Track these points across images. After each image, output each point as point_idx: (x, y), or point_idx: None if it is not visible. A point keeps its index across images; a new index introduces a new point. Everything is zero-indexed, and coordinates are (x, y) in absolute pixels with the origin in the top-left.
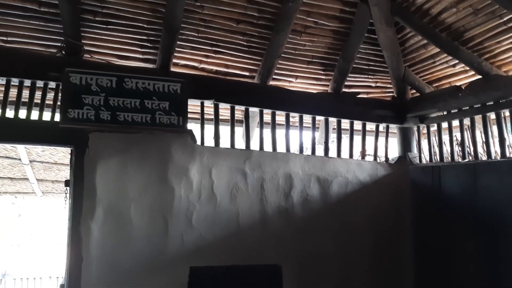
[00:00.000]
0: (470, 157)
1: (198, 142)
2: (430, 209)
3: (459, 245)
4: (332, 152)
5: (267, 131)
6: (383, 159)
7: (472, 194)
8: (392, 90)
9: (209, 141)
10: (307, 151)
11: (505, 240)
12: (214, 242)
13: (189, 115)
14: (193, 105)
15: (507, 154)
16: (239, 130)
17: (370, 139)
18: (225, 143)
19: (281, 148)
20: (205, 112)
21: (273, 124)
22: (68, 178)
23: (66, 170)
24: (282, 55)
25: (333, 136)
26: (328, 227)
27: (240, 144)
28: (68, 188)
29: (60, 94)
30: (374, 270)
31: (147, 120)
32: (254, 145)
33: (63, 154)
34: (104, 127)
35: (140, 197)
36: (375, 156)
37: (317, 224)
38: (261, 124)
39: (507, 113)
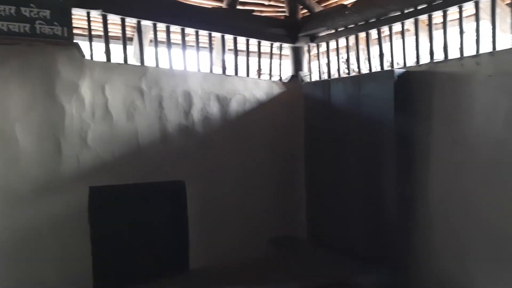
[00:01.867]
0: (355, 73)
1: (88, 57)
2: (321, 120)
3: (346, 148)
4: (230, 71)
5: (162, 50)
6: (277, 78)
7: (357, 102)
8: (284, 9)
9: (100, 57)
10: (205, 69)
11: (381, 142)
12: (113, 162)
13: (75, 31)
14: (78, 18)
15: (385, 67)
16: (132, 49)
17: (265, 60)
18: (117, 59)
19: (178, 66)
20: (92, 27)
21: (168, 39)
22: None
23: None
24: None
25: (229, 56)
26: (228, 143)
27: (133, 61)
28: None
29: None
30: (272, 181)
31: (26, 30)
32: (150, 63)
33: None
34: None
35: (25, 115)
36: (270, 75)
37: (218, 140)
38: (155, 38)
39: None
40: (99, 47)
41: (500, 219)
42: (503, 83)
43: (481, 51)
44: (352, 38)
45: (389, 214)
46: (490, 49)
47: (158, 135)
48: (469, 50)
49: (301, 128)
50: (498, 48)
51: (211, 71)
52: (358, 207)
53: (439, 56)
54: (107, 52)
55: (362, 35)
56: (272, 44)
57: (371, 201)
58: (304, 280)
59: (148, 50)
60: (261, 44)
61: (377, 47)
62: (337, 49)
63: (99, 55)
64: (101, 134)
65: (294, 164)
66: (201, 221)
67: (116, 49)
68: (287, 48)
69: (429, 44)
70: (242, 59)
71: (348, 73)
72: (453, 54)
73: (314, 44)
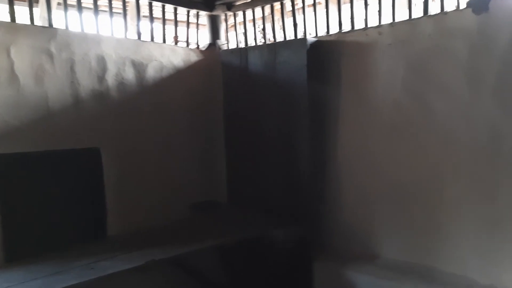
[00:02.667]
0: (271, 42)
1: None
2: (239, 87)
3: (263, 113)
4: (145, 36)
5: (72, 13)
6: (195, 46)
7: (273, 69)
8: None
9: (3, 18)
10: (119, 34)
11: (295, 107)
12: (21, 128)
13: None
14: None
15: (298, 36)
16: (38, 11)
17: (182, 29)
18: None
19: (90, 30)
20: None
21: (79, 2)
22: None
23: None
24: None
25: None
26: (146, 109)
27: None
28: None
29: None
30: (192, 148)
31: None
32: (59, 25)
33: None
34: None
35: None
36: (188, 42)
37: (135, 106)
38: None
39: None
40: (2, 8)
41: (399, 172)
42: (401, 51)
43: (382, 22)
44: (267, 8)
45: (302, 173)
46: (390, 20)
47: (70, 101)
48: (373, 21)
49: (219, 95)
50: (397, 19)
51: (125, 36)
52: (274, 168)
53: (346, 26)
54: (12, 12)
55: (277, 6)
56: (188, 12)
57: (287, 163)
58: (223, 238)
59: (57, 13)
60: (177, 12)
61: (291, 19)
62: (254, 19)
63: (3, 16)
64: (7, 98)
65: (213, 130)
66: (120, 187)
67: (21, 11)
68: (204, 17)
69: (338, 16)
70: (158, 26)
71: (264, 42)
72: (359, 24)
73: (231, 13)
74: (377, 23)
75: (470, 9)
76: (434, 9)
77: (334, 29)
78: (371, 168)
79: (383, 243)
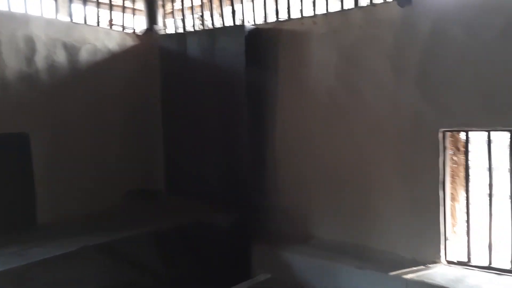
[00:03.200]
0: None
1: None
2: (177, 73)
3: (202, 100)
4: (78, 18)
5: None
6: (131, 30)
7: (211, 55)
8: None
9: None
10: (49, 14)
11: (234, 93)
12: None
13: None
14: None
15: (237, 22)
16: None
17: (117, 14)
18: None
19: (18, 8)
20: None
21: None
22: None
23: None
24: None
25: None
26: (79, 94)
27: None
28: None
29: None
30: (128, 134)
31: None
32: None
33: None
34: None
35: None
36: (123, 26)
37: (67, 91)
38: None
39: None
40: None
41: (332, 157)
42: (334, 40)
43: (317, 12)
44: None
45: (241, 161)
46: (324, 11)
47: None
48: (308, 11)
49: (157, 80)
50: (330, 10)
51: (56, 17)
52: (213, 155)
53: (283, 15)
54: None
55: None
56: None
57: (225, 149)
58: (160, 223)
59: None
60: None
61: (229, 6)
62: (192, 6)
63: None
64: None
65: (151, 116)
66: (50, 174)
67: None
68: (140, 2)
69: (275, 4)
70: (92, 8)
71: (203, 29)
72: (295, 14)
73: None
74: (312, 13)
75: (395, 2)
76: (364, 1)
77: (271, 18)
78: (307, 153)
79: (318, 225)
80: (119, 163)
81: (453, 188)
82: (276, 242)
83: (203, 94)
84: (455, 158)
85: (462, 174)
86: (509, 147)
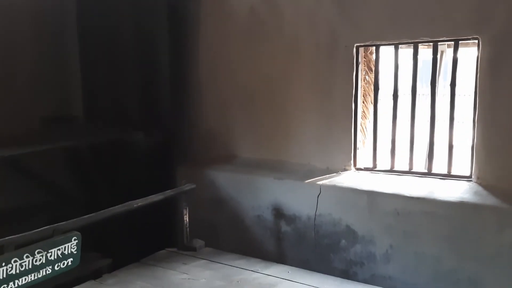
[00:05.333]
0: None
1: None
2: None
3: (120, 21)
4: None
5: None
6: None
7: None
8: None
9: None
10: None
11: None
12: None
13: None
14: None
15: None
16: None
17: None
18: None
19: None
20: None
21: None
22: None
23: None
24: None
25: None
26: None
27: None
28: None
29: None
30: (38, 59)
31: None
32: None
33: None
34: None
35: None
36: None
37: None
38: None
39: None
40: None
41: (253, 78)
42: None
43: None
44: None
45: (161, 83)
46: None
47: None
48: None
49: None
50: None
51: None
52: (132, 80)
53: None
54: None
55: None
56: None
57: (145, 73)
58: (77, 141)
59: None
60: None
61: None
62: None
63: None
64: None
65: (65, 40)
66: None
67: None
68: None
69: None
70: None
71: None
72: None
73: None
74: None
75: None
76: None
77: None
78: (229, 76)
79: (240, 145)
80: (31, 89)
81: (364, 106)
82: (200, 162)
83: (122, 17)
84: (367, 77)
85: (372, 93)
86: (412, 59)
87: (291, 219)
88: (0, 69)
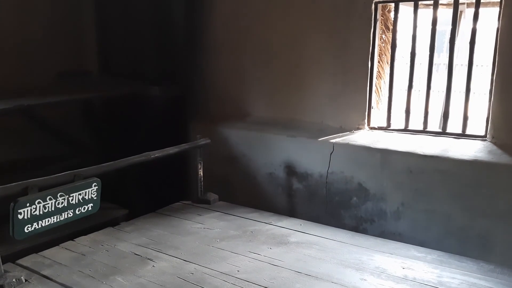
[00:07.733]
0: None
1: None
2: None
3: None
4: None
5: None
6: None
7: None
8: None
9: None
10: None
11: None
12: None
13: None
14: None
15: None
16: None
17: None
18: None
19: None
20: None
21: None
22: None
23: None
24: None
25: None
26: None
27: None
28: None
29: None
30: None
31: None
32: None
33: None
34: None
35: None
36: None
37: None
38: None
39: None
40: None
41: (268, 35)
42: None
43: None
44: None
45: (176, 39)
46: None
47: None
48: None
49: None
50: None
51: None
52: (147, 36)
53: None
54: None
55: None
56: None
57: (160, 31)
58: (94, 93)
59: None
60: None
61: None
62: None
63: None
64: None
65: None
66: None
67: None
68: None
69: None
70: None
71: None
72: None
73: None
74: None
75: None
76: None
77: None
78: (244, 32)
79: (253, 103)
80: (48, 44)
81: (380, 66)
82: (214, 120)
83: None
84: (383, 36)
85: (388, 53)
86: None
87: (303, 177)
88: (19, 26)
